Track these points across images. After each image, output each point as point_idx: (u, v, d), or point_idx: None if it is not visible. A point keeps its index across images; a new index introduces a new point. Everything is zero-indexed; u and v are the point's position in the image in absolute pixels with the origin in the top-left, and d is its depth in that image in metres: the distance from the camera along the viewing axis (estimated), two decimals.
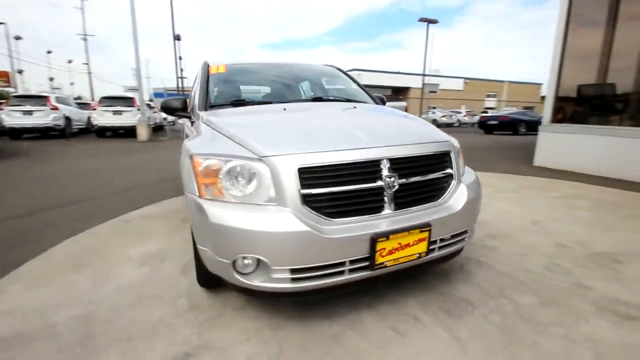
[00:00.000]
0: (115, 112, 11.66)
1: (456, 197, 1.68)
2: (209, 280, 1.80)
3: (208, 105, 2.24)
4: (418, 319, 1.62)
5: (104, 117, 11.59)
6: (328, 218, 1.40)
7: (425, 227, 1.49)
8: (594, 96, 5.25)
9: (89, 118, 13.08)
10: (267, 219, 1.33)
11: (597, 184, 4.47)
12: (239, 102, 2.26)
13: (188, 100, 2.45)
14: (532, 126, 13.00)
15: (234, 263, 1.38)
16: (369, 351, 1.42)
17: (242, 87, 2.57)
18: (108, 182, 4.97)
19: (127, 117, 11.67)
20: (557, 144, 5.27)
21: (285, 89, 2.62)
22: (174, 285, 1.99)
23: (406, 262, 1.51)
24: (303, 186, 1.38)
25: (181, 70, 18.51)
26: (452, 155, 1.73)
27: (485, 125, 15.12)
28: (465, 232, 1.72)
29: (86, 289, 1.96)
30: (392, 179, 1.48)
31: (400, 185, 1.51)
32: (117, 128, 11.85)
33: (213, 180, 1.46)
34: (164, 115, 19.68)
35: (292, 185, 1.37)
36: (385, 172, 1.49)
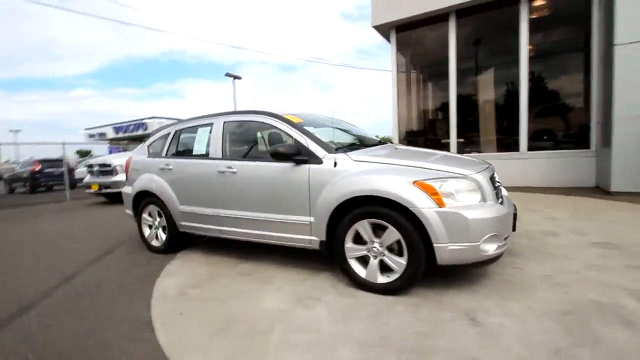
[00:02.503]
0: None
1: (504, 191, 3.04)
2: (413, 279, 2.29)
3: (333, 148, 2.63)
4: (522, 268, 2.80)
5: None
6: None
7: (515, 207, 2.74)
8: (414, 136, 8.34)
9: None
10: (496, 209, 2.19)
11: None
12: (354, 146, 2.77)
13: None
14: None
15: (481, 242, 2.12)
16: (524, 280, 2.47)
17: (324, 134, 2.98)
18: None
19: None
20: None
21: (354, 133, 3.26)
22: (380, 303, 2.26)
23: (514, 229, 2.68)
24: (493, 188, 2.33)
25: None
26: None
27: None
28: None
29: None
30: (499, 182, 2.66)
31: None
32: None
33: (452, 193, 2.15)
34: None
35: (490, 188, 2.29)
36: (496, 178, 2.65)
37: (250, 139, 3.15)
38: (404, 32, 7.57)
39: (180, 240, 3.65)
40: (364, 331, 1.94)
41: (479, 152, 7.25)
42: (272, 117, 2.92)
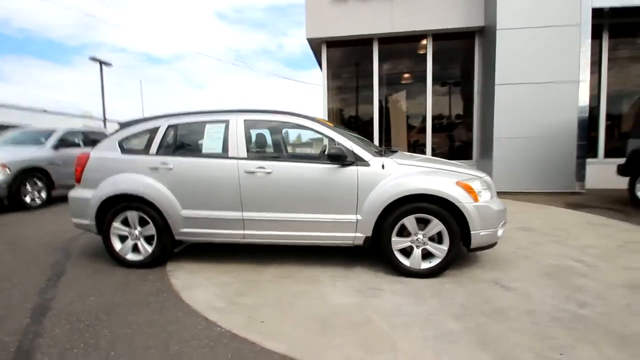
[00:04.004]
0: None
1: None
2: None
3: (375, 152, 2.91)
4: None
5: None
6: None
7: None
8: None
9: None
10: (502, 203, 2.91)
11: None
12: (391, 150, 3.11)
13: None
14: None
15: (498, 228, 2.79)
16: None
17: None
18: None
19: None
20: None
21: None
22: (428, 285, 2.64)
23: None
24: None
25: None
26: None
27: None
28: None
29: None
30: None
31: None
32: None
33: (479, 191, 2.75)
34: None
35: (494, 187, 3.01)
36: None
37: (277, 139, 3.09)
38: (334, 48, 8.26)
39: (171, 251, 3.19)
40: (446, 306, 2.32)
41: None
42: (310, 120, 2.98)
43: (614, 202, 5.69)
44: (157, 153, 3.10)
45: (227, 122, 3.06)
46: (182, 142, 3.21)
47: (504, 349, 1.85)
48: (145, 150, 3.13)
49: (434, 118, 8.08)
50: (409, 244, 2.80)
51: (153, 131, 3.17)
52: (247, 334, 2.01)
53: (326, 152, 2.76)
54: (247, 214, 2.93)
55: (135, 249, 3.15)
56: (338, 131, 2.96)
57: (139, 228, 3.12)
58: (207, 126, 3.12)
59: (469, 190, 2.72)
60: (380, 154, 2.94)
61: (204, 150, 3.08)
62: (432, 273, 2.78)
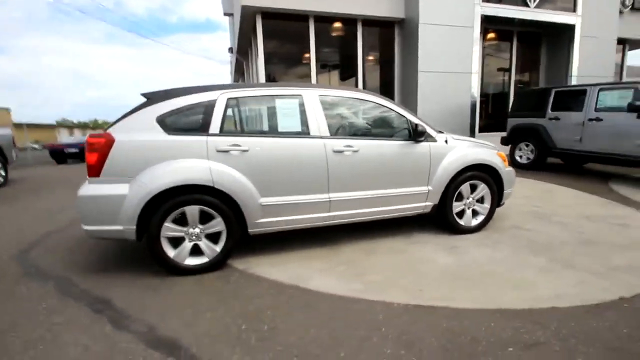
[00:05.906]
0: None
1: None
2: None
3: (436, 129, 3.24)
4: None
5: None
6: None
7: None
8: None
9: None
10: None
11: None
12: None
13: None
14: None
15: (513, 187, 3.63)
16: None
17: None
18: None
19: None
20: None
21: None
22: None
23: None
24: None
25: None
26: None
27: (61, 154, 13.11)
28: None
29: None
30: None
31: None
32: None
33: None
34: None
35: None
36: None
37: (352, 116, 3.01)
38: (269, 20, 7.80)
39: (235, 248, 2.77)
40: (515, 249, 2.97)
41: None
42: (384, 99, 3.04)
43: None
44: (221, 132, 2.56)
45: (300, 97, 2.79)
46: (249, 119, 2.74)
47: (585, 268, 2.60)
48: (203, 130, 2.54)
49: None
50: (462, 207, 3.34)
51: (208, 106, 2.58)
52: (433, 302, 2.14)
53: (416, 130, 2.94)
54: (334, 195, 2.84)
55: (194, 251, 2.59)
56: (408, 110, 3.15)
57: (200, 225, 2.57)
58: (277, 101, 2.76)
59: (504, 158, 3.43)
60: (438, 131, 3.31)
61: (280, 129, 2.73)
62: (478, 229, 3.41)
